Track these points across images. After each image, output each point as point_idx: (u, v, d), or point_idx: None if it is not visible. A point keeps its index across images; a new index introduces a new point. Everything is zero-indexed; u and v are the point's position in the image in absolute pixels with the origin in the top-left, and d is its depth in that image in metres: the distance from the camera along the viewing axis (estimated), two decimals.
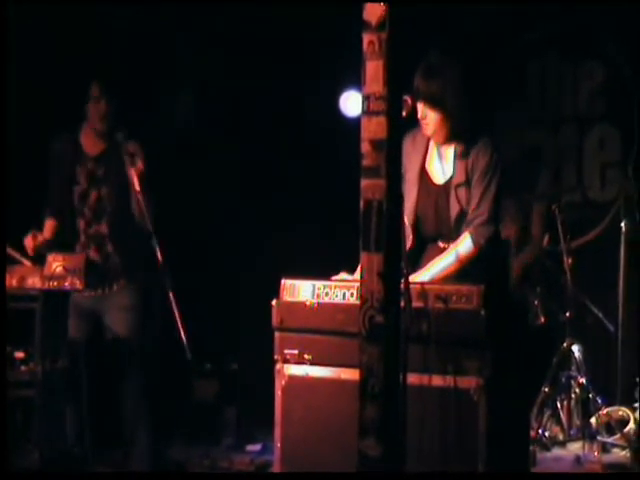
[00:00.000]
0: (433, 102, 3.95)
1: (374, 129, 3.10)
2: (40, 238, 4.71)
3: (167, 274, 4.54)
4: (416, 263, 3.97)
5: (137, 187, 4.63)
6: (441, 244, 4.02)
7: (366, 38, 3.12)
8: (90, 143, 4.88)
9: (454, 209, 3.99)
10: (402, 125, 3.34)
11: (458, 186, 4.00)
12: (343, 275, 3.93)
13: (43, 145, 4.97)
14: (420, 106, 3.96)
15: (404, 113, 3.67)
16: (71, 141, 4.89)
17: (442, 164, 4.07)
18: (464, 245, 3.93)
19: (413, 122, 4.05)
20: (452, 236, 3.99)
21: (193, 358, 4.54)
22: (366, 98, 3.12)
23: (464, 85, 4.01)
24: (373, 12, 3.10)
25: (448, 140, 4.03)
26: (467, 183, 3.98)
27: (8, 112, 4.63)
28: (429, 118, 3.97)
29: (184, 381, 5.99)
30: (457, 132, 4.01)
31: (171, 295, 4.50)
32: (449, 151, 4.05)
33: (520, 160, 6.45)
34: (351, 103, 6.34)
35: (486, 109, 5.99)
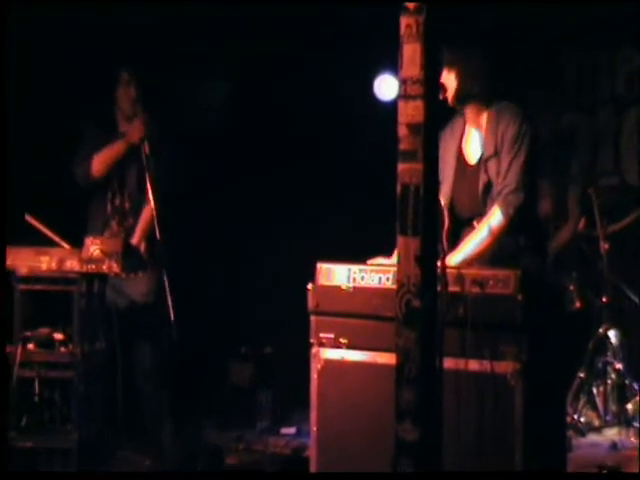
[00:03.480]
0: (449, 64, 3.98)
1: (411, 113, 3.09)
2: None
3: (165, 252, 4.60)
4: (452, 246, 3.96)
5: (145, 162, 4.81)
6: (476, 225, 4.02)
7: (403, 21, 3.11)
8: (123, 125, 5.01)
9: (482, 181, 4.00)
10: (439, 109, 3.33)
11: (488, 159, 4.01)
12: (379, 259, 3.94)
13: (68, 129, 5.04)
14: (443, 74, 3.99)
15: (441, 97, 3.66)
16: (104, 122, 4.99)
17: (478, 145, 4.08)
18: (495, 218, 3.92)
19: (451, 109, 4.07)
20: (483, 212, 3.98)
21: (228, 341, 4.57)
22: (403, 82, 3.11)
23: (480, 55, 4.05)
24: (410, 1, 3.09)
25: (470, 106, 4.04)
26: (496, 155, 3.98)
27: (19, 105, 4.69)
28: (447, 80, 3.99)
29: (219, 365, 6.03)
30: (475, 98, 4.01)
31: (165, 274, 4.60)
32: (483, 131, 4.06)
33: (555, 142, 6.40)
34: (386, 87, 6.31)
35: (519, 89, 5.94)
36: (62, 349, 4.53)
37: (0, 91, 4.33)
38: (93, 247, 4.47)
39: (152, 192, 4.77)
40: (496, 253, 3.95)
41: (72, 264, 4.50)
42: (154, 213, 4.75)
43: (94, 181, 4.98)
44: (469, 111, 4.10)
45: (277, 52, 6.25)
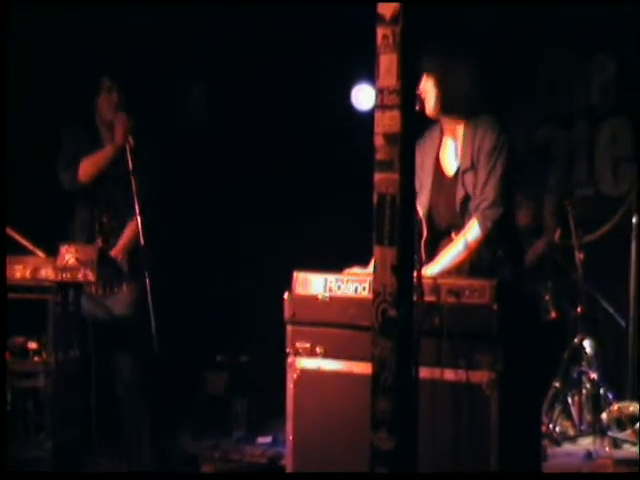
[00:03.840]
0: (428, 71, 3.98)
1: (388, 123, 3.10)
2: None
3: (149, 256, 4.59)
4: (430, 256, 3.97)
5: (129, 164, 4.75)
6: (454, 236, 4.02)
7: (380, 31, 3.12)
8: (103, 132, 4.96)
9: (459, 195, 4.01)
10: (416, 119, 3.34)
11: (465, 172, 4.01)
12: (356, 269, 3.94)
13: (52, 137, 5.01)
14: (422, 81, 4.00)
15: (418, 107, 3.67)
16: (84, 129, 4.95)
17: (455, 156, 4.09)
18: (472, 231, 3.93)
19: (428, 119, 4.08)
20: (460, 223, 3.99)
21: (204, 350, 4.54)
22: (380, 92, 3.12)
23: (461, 63, 4.06)
24: (387, 5, 3.10)
25: (448, 116, 4.04)
26: (473, 168, 3.99)
27: (11, 109, 4.65)
28: (425, 89, 3.99)
29: (194, 373, 6.00)
30: (454, 109, 4.02)
31: (147, 279, 4.56)
32: (459, 143, 4.07)
33: (531, 154, 6.43)
34: (363, 97, 6.33)
35: (495, 101, 5.97)
36: (36, 358, 4.50)
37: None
38: (68, 255, 4.45)
39: (137, 197, 4.71)
40: (474, 265, 3.96)
41: (47, 272, 4.47)
42: (139, 225, 4.68)
43: (81, 186, 4.92)
44: (446, 122, 4.11)
45: (257, 61, 6.26)
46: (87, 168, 4.88)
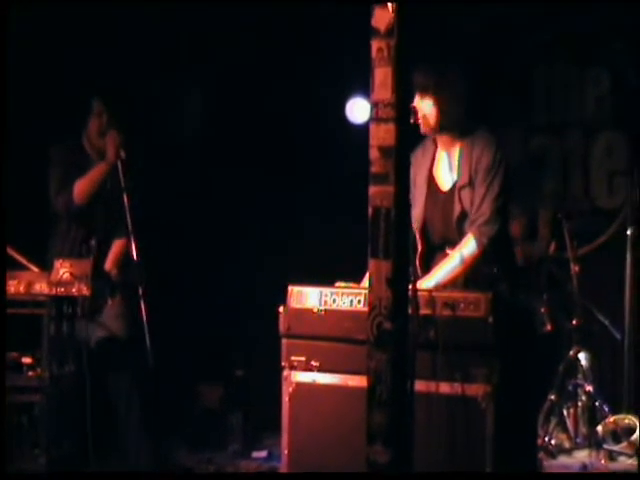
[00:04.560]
0: (423, 91, 3.97)
1: (383, 136, 3.10)
2: None
3: (142, 271, 4.58)
4: (424, 270, 3.97)
5: (122, 180, 4.72)
6: (448, 251, 4.02)
7: (375, 44, 3.12)
8: (91, 154, 4.95)
9: (456, 210, 4.01)
10: (411, 132, 3.34)
11: (462, 188, 4.01)
12: (340, 284, 3.92)
13: (44, 156, 5.00)
14: (416, 99, 3.98)
15: (412, 120, 3.68)
16: (74, 147, 4.94)
17: (449, 170, 4.08)
18: (467, 247, 3.94)
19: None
20: (455, 239, 3.99)
21: (199, 364, 4.52)
22: (375, 105, 3.12)
23: (458, 80, 4.06)
24: (382, 18, 3.11)
25: (445, 134, 4.04)
26: (470, 184, 3.99)
27: (8, 118, 4.64)
28: (422, 108, 3.98)
29: (189, 387, 5.99)
30: (452, 126, 4.02)
31: (140, 292, 4.55)
32: (455, 157, 4.06)
33: (524, 166, 6.43)
34: (357, 110, 6.33)
35: (490, 112, 5.98)
36: (30, 373, 4.49)
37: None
38: (62, 270, 4.43)
39: (130, 212, 4.70)
40: (470, 279, 3.96)
41: (41, 287, 4.45)
42: (132, 240, 4.66)
43: (77, 208, 4.86)
44: (442, 137, 4.10)
45: (252, 74, 6.27)
46: (82, 189, 4.84)
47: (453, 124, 4.04)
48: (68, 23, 5.44)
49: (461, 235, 3.98)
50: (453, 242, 4.01)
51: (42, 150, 5.03)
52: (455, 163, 4.06)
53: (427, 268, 3.99)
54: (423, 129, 4.01)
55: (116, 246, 4.92)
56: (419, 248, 3.98)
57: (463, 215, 3.99)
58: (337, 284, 3.91)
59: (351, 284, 3.92)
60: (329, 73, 6.19)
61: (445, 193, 4.08)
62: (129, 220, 4.69)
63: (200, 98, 6.34)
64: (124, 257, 4.83)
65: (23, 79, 5.16)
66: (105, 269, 4.85)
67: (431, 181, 4.11)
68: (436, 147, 4.13)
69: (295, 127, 6.33)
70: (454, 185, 4.04)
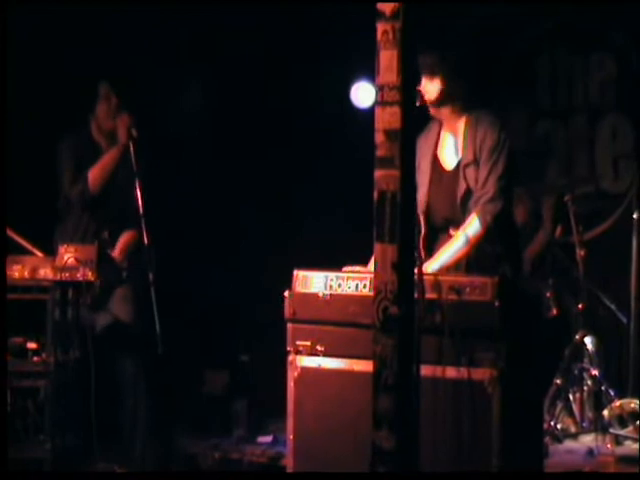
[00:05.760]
0: (430, 72, 3.99)
1: (388, 119, 3.08)
2: None
3: (152, 257, 4.56)
4: (428, 253, 3.96)
5: (134, 165, 4.72)
6: (452, 232, 4.01)
7: (380, 27, 3.10)
8: (101, 141, 4.95)
9: (461, 188, 4.01)
10: (416, 115, 3.32)
11: (467, 166, 4.02)
12: (356, 268, 3.92)
13: (49, 142, 4.98)
14: (423, 80, 4.00)
15: (418, 103, 3.66)
16: (83, 138, 4.92)
17: (454, 150, 4.09)
18: (472, 226, 3.94)
19: (427, 115, 4.07)
20: (461, 218, 3.98)
21: (204, 349, 4.51)
22: (380, 88, 3.10)
23: (462, 62, 4.08)
24: (387, 1, 3.08)
25: (450, 109, 4.05)
26: (475, 162, 4.00)
27: (9, 112, 4.63)
28: (427, 89, 4.00)
29: (194, 372, 5.99)
30: (458, 103, 4.02)
31: (151, 278, 4.55)
32: (460, 137, 4.06)
33: (529, 150, 6.42)
34: (362, 94, 6.31)
35: (494, 98, 5.96)
36: (35, 358, 4.49)
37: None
38: (67, 255, 4.43)
39: (142, 198, 4.68)
40: (473, 261, 3.95)
41: (46, 272, 4.45)
42: (143, 225, 4.65)
43: (92, 197, 4.86)
44: (446, 116, 4.10)
45: (256, 59, 6.25)
46: (96, 176, 4.83)
47: (459, 101, 4.05)
48: (68, 23, 5.42)
49: (465, 214, 3.97)
50: (457, 223, 4.00)
51: (47, 138, 5.03)
52: (460, 143, 4.06)
53: (430, 251, 3.98)
54: (430, 104, 4.03)
55: (125, 236, 4.91)
56: (422, 230, 3.97)
57: (468, 193, 3.99)
58: (344, 268, 3.90)
59: (358, 267, 3.92)
60: (334, 57, 6.16)
61: (450, 172, 4.08)
62: (140, 205, 4.67)
63: (201, 86, 6.31)
64: (133, 245, 4.82)
65: (26, 69, 5.16)
66: (113, 256, 4.84)
67: (435, 162, 4.12)
68: (440, 129, 4.13)
69: (301, 112, 6.30)
70: (459, 164, 4.05)
